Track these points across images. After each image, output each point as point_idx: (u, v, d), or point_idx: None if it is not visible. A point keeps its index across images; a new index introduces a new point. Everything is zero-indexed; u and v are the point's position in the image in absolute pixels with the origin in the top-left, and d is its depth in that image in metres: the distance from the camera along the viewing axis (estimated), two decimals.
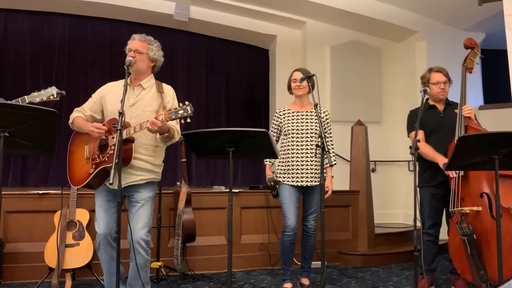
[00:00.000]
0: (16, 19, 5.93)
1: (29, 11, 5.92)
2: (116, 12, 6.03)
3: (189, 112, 2.46)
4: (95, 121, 2.83)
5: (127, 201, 2.80)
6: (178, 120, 2.57)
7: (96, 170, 2.61)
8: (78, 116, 2.80)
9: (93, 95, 2.88)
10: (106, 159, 2.59)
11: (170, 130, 2.63)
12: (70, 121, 2.82)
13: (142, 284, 2.69)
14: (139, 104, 2.75)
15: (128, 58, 2.66)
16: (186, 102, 2.49)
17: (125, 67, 2.61)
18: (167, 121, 2.49)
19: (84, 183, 2.69)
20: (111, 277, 2.75)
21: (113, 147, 2.56)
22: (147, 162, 2.73)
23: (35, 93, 2.71)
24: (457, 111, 3.30)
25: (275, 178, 3.46)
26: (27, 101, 2.65)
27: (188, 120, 2.50)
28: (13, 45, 5.91)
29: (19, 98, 2.66)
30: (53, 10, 5.96)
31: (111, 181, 2.27)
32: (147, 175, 2.73)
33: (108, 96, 2.80)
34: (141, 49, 2.78)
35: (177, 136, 2.75)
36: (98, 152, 2.66)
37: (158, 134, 2.66)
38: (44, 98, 2.71)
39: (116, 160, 2.40)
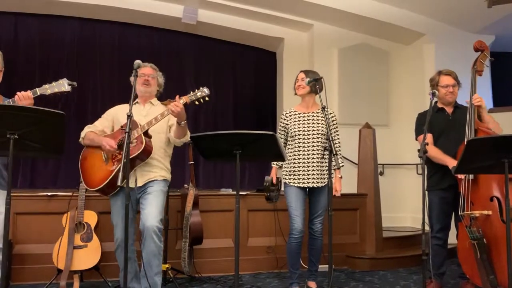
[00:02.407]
0: (26, 23, 5.99)
1: (39, 14, 5.97)
2: (124, 16, 6.06)
3: (207, 92, 2.80)
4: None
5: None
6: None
7: (120, 165, 2.67)
8: (90, 131, 3.02)
9: (103, 114, 3.14)
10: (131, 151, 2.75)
11: (186, 124, 2.87)
12: (82, 135, 3.03)
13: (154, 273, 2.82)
14: (151, 115, 2.97)
15: (137, 61, 2.70)
16: (201, 87, 2.80)
17: (134, 70, 2.68)
18: (188, 103, 2.76)
19: (107, 180, 2.84)
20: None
21: (135, 141, 2.79)
22: (160, 162, 3.02)
23: (46, 85, 2.70)
24: (467, 101, 3.27)
25: (274, 181, 3.41)
26: (38, 93, 2.64)
27: (207, 99, 2.80)
28: (23, 48, 5.97)
29: (31, 90, 2.64)
30: (62, 13, 6.00)
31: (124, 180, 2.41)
32: (163, 172, 3.03)
33: (121, 113, 3.05)
34: (154, 74, 3.13)
35: (188, 134, 2.98)
36: (118, 150, 2.83)
37: (175, 126, 2.88)
38: (56, 90, 2.70)
39: (138, 152, 2.74)
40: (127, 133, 2.43)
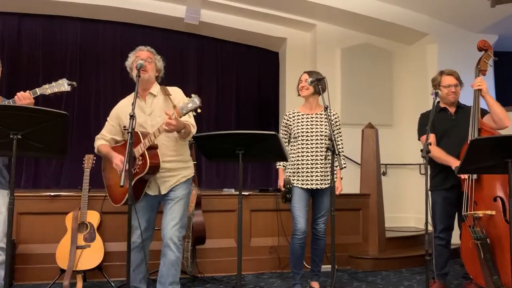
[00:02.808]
0: (29, 23, 6.01)
1: (42, 15, 5.99)
2: (127, 16, 6.08)
3: (198, 103, 2.58)
4: (116, 143, 2.97)
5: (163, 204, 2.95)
6: (190, 113, 2.68)
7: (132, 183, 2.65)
8: (102, 144, 2.96)
9: (108, 118, 3.02)
10: (138, 170, 2.70)
11: (186, 127, 2.75)
12: (95, 150, 3.00)
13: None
14: (155, 112, 2.87)
15: (139, 62, 2.72)
16: (192, 95, 2.61)
17: (136, 70, 2.70)
18: (180, 117, 2.60)
19: (125, 199, 2.79)
20: (135, 275, 2.87)
21: (140, 158, 2.70)
22: (179, 162, 2.89)
23: (46, 86, 2.70)
24: (472, 85, 3.26)
25: (292, 182, 3.40)
26: (38, 93, 2.64)
27: (199, 110, 2.61)
28: (26, 49, 5.99)
29: (31, 91, 2.65)
30: (65, 14, 6.03)
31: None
32: (184, 172, 2.91)
33: (123, 113, 2.91)
34: (151, 58, 2.92)
35: (194, 130, 2.87)
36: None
37: (176, 133, 2.77)
38: (55, 90, 2.70)
39: (144, 173, 2.65)
40: (129, 134, 2.40)
